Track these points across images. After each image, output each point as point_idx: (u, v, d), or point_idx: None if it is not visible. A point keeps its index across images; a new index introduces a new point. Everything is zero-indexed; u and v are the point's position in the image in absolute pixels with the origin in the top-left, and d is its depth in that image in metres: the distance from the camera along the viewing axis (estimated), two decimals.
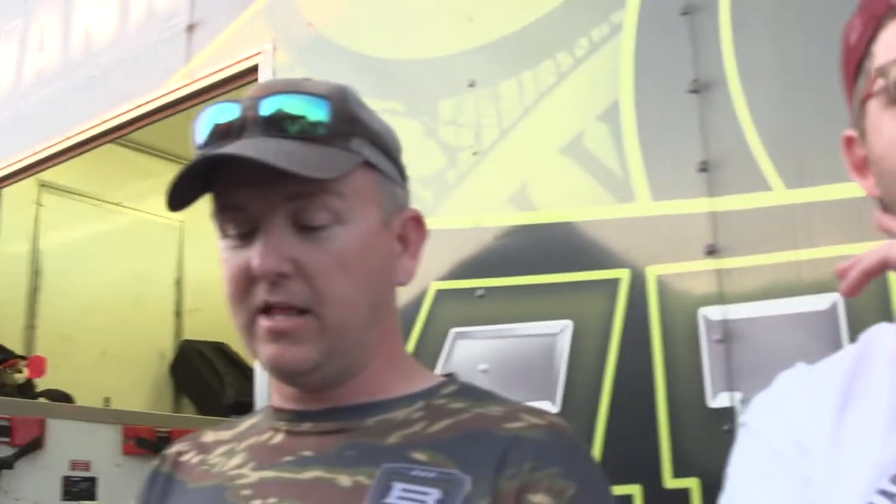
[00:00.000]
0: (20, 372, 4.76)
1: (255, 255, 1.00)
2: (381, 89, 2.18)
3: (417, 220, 1.15)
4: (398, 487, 0.99)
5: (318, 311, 1.01)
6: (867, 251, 0.86)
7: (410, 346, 2.02)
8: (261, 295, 1.01)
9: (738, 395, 1.60)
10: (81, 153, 3.45)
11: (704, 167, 1.69)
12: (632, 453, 1.71)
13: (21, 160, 3.60)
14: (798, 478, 0.89)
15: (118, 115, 3.14)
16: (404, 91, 2.20)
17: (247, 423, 1.22)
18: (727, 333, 1.62)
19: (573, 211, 1.86)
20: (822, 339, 1.52)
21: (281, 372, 1.05)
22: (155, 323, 5.58)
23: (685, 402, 1.66)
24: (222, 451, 1.18)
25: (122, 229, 5.56)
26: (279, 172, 0.98)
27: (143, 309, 5.51)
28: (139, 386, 5.40)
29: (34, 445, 4.29)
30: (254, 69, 2.64)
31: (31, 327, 5.16)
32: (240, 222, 1.03)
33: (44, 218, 5.26)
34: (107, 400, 5.12)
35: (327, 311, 1.02)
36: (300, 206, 1.01)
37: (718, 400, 1.62)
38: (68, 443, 4.41)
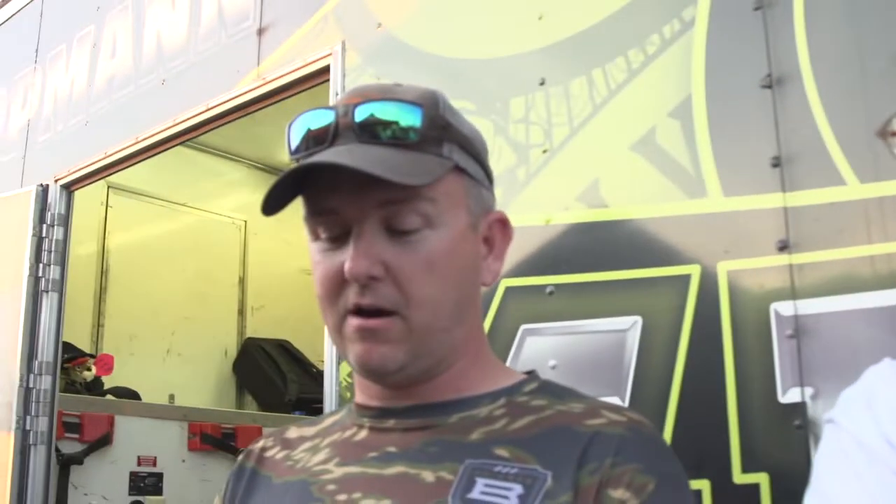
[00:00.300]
0: (89, 370, 4.86)
1: (347, 259, 1.03)
2: (452, 89, 2.19)
3: (503, 223, 1.18)
4: (481, 483, 1.01)
5: (406, 312, 1.04)
6: None
7: None
8: (351, 298, 1.05)
9: (809, 391, 1.59)
10: (151, 156, 3.52)
11: (777, 162, 1.69)
12: (701, 448, 1.71)
13: (93, 163, 3.68)
14: (888, 473, 0.89)
15: (189, 118, 3.20)
16: (475, 90, 2.22)
17: (330, 419, 1.25)
18: (799, 329, 1.61)
19: (644, 207, 1.87)
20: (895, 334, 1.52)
21: (368, 370, 1.08)
22: (219, 321, 5.65)
23: (756, 397, 1.66)
24: (306, 447, 1.21)
25: (187, 229, 5.64)
26: (373, 179, 1.00)
27: (208, 307, 5.58)
28: (203, 383, 5.47)
29: (103, 442, 4.38)
30: (324, 70, 2.67)
31: (98, 326, 5.25)
32: (332, 226, 1.07)
33: (111, 218, 5.35)
34: (171, 397, 5.19)
35: (414, 313, 1.05)
36: (392, 212, 1.05)
37: (789, 395, 1.62)
38: (135, 439, 4.50)
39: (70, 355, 4.71)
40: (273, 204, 1.07)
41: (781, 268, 1.66)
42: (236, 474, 1.26)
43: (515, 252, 2.02)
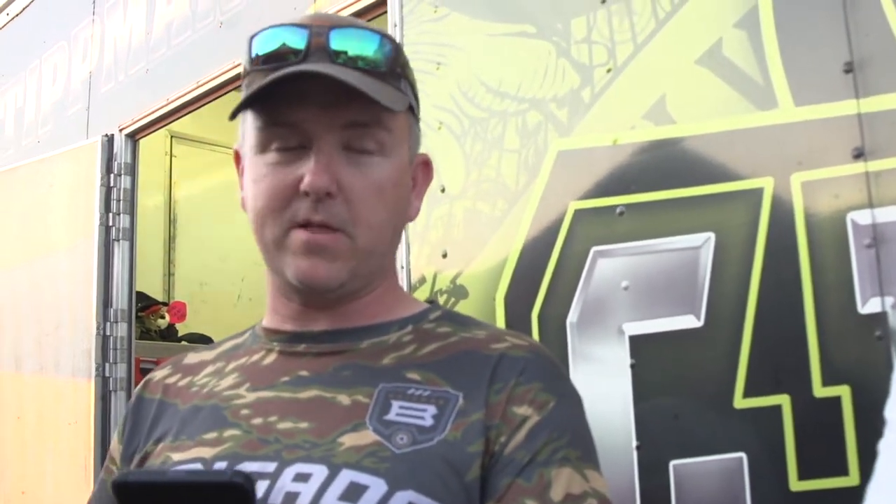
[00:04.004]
0: (163, 318, 4.96)
1: (308, 173, 1.06)
2: (511, 13, 2.17)
3: (427, 164, 1.25)
4: (396, 405, 1.06)
5: (353, 232, 1.09)
6: None
7: (550, 266, 2.03)
8: (303, 212, 1.07)
9: (889, 301, 1.57)
10: (213, 100, 3.53)
11: (849, 68, 1.65)
12: (780, 363, 1.69)
13: (156, 110, 3.71)
14: None
15: None
16: (535, 13, 2.18)
17: (229, 343, 1.27)
18: (877, 237, 1.59)
19: (712, 122, 1.83)
20: None
21: (310, 285, 1.10)
22: None
23: (834, 309, 1.64)
24: (209, 371, 1.22)
25: None
26: (342, 99, 1.06)
27: None
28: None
29: None
30: (381, 3, 2.64)
31: (169, 275, 5.34)
32: (288, 139, 1.09)
33: (176, 168, 5.41)
34: None
35: (361, 233, 1.09)
36: (355, 135, 1.09)
37: (869, 306, 1.59)
38: None
39: (144, 304, 4.80)
40: (240, 109, 1.09)
41: (857, 176, 1.62)
42: (135, 408, 1.23)
43: (583, 174, 2.00)
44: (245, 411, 1.11)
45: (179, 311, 5.05)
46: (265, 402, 1.11)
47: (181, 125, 4.23)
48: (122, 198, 3.84)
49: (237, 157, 1.21)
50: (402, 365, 1.12)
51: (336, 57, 1.08)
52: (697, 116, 1.86)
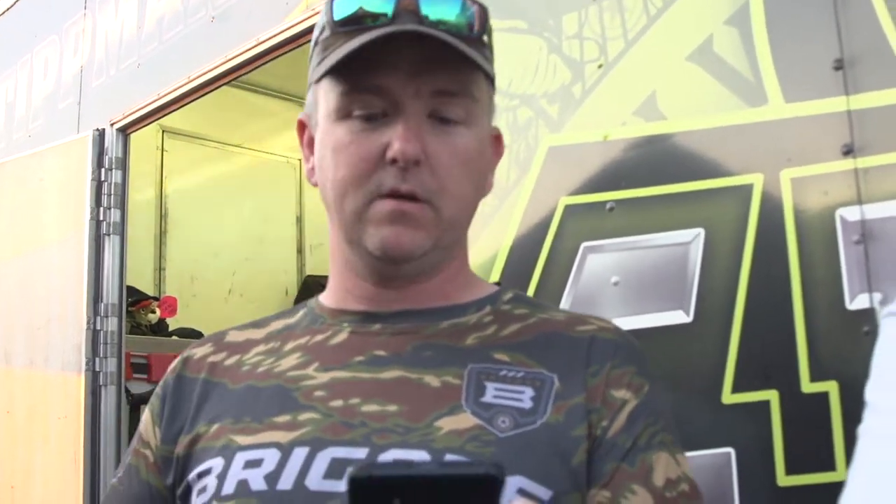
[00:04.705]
0: (153, 312, 4.95)
1: (396, 139, 1.00)
2: (503, 8, 2.17)
3: (498, 138, 1.20)
4: (491, 387, 1.02)
5: (438, 202, 1.03)
6: None
7: (541, 261, 2.04)
8: (389, 181, 1.02)
9: (877, 297, 1.57)
10: (204, 94, 3.53)
11: (839, 65, 1.65)
12: (768, 359, 1.70)
13: (147, 105, 3.70)
14: None
15: (240, 54, 3.20)
16: (527, 8, 2.18)
17: (279, 322, 1.19)
18: (866, 234, 1.59)
19: (703, 118, 1.84)
20: None
21: (392, 255, 1.03)
22: (278, 260, 5.71)
23: (823, 305, 1.64)
24: (261, 350, 1.14)
25: (243, 170, 5.68)
26: (432, 64, 1.01)
27: (267, 246, 5.65)
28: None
29: None
30: None
31: (160, 269, 5.34)
32: (371, 105, 1.04)
33: (167, 163, 5.40)
34: None
35: (446, 204, 1.04)
36: (443, 102, 1.04)
37: (857, 302, 1.60)
38: None
39: (134, 298, 4.80)
40: (328, 72, 1.03)
41: (846, 173, 1.63)
42: (176, 387, 1.15)
43: (574, 169, 2.01)
44: (319, 392, 1.04)
45: (170, 306, 5.04)
46: (342, 383, 1.04)
47: (173, 120, 4.23)
48: (112, 192, 3.83)
49: (301, 127, 1.15)
50: (487, 346, 1.07)
51: (422, 20, 1.01)
52: (688, 113, 1.87)
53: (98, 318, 3.75)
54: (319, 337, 1.11)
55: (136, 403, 4.27)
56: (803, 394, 1.64)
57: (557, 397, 1.01)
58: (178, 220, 5.42)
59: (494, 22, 1.11)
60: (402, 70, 1.02)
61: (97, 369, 3.70)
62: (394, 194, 1.02)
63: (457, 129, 1.05)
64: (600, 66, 2.02)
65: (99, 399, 3.70)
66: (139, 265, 5.02)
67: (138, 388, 4.33)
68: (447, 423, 0.98)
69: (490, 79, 1.10)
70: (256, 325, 1.21)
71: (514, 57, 2.15)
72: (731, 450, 1.71)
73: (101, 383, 3.70)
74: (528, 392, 1.01)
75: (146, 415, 1.18)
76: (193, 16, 3.55)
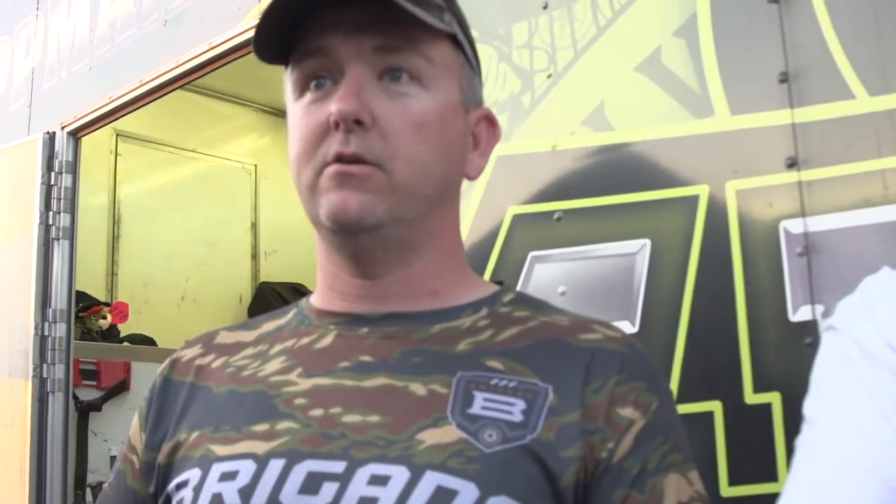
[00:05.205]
0: (104, 318, 4.90)
1: (335, 101, 0.97)
2: None
3: (491, 120, 1.14)
4: (479, 397, 0.96)
5: (389, 166, 0.98)
6: None
7: (488, 271, 2.03)
8: (333, 147, 0.98)
9: (819, 308, 1.58)
10: (156, 98, 3.50)
11: (784, 78, 1.66)
12: (712, 370, 1.70)
13: (98, 108, 3.65)
14: (889, 375, 0.89)
15: (192, 58, 3.17)
16: (477, 16, 2.18)
17: (270, 324, 1.16)
18: (809, 246, 1.60)
19: (650, 129, 1.84)
20: None
21: (342, 221, 0.99)
22: (232, 266, 5.68)
23: (766, 316, 1.65)
24: (249, 352, 1.11)
25: (198, 175, 5.65)
26: (373, 20, 0.97)
27: (221, 253, 5.61)
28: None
29: (120, 388, 4.43)
30: None
31: (112, 275, 5.29)
32: (322, 71, 1.01)
33: (121, 167, 5.36)
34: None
35: (398, 168, 0.99)
36: (388, 60, 1.00)
37: (800, 314, 1.60)
38: None
39: (85, 304, 4.74)
40: (265, 36, 1.01)
41: (790, 185, 1.64)
42: (162, 390, 1.12)
43: (522, 179, 2.00)
44: (300, 401, 0.99)
45: (122, 312, 4.99)
46: (324, 391, 0.99)
47: (127, 124, 4.19)
48: (62, 196, 3.78)
49: None
50: (480, 352, 1.01)
51: None
52: (635, 123, 1.87)
53: (46, 324, 3.70)
54: (305, 340, 1.07)
55: (84, 410, 4.22)
56: (747, 405, 1.64)
57: (550, 412, 0.95)
58: (131, 224, 5.37)
59: None
60: (343, 28, 0.99)
61: (45, 376, 3.66)
62: (339, 159, 0.98)
63: (409, 89, 1.01)
64: (549, 76, 2.03)
65: (46, 406, 3.65)
66: (91, 270, 4.97)
67: (87, 394, 4.28)
68: (430, 437, 0.93)
69: (460, 45, 1.06)
70: (248, 326, 1.18)
71: None
72: None
73: (48, 390, 3.66)
74: (520, 405, 0.95)
75: (135, 418, 1.16)
76: (146, 19, 3.52)
